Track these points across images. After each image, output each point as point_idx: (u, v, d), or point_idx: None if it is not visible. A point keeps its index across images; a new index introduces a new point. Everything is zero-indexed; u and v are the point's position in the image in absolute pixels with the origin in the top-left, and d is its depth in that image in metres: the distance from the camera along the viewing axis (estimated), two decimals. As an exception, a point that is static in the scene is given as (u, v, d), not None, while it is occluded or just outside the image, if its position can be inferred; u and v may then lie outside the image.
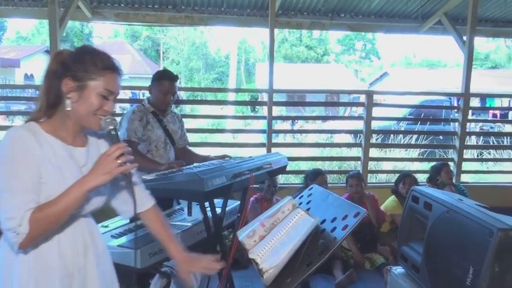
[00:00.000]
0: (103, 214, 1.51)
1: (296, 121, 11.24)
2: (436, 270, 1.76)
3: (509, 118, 15.73)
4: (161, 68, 24.55)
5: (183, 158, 2.78)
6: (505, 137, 7.84)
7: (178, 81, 2.75)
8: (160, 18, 4.54)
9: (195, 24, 4.66)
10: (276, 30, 4.23)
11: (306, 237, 1.20)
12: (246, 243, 1.27)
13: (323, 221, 1.35)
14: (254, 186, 3.73)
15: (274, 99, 4.08)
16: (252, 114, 14.16)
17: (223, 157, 2.57)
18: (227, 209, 2.29)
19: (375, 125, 7.69)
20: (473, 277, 1.52)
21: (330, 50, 33.08)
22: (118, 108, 6.09)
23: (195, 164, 2.32)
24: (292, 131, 7.78)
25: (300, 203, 1.55)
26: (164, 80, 2.68)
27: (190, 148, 3.04)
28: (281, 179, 5.68)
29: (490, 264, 1.45)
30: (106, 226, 2.23)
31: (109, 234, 2.10)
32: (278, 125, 12.05)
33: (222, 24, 4.74)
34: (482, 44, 28.93)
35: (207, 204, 1.99)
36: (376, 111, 4.41)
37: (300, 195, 1.67)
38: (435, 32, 5.07)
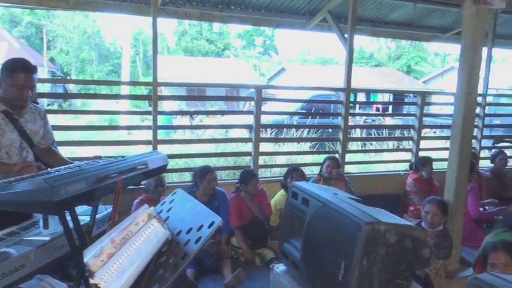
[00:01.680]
0: None
1: (195, 116, 11.00)
2: (313, 266, 1.74)
3: (390, 112, 17.54)
4: (44, 58, 22.25)
5: (45, 161, 2.38)
6: (384, 129, 8.61)
7: (37, 73, 2.33)
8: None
9: (69, 8, 4.15)
10: (175, 22, 3.97)
11: (154, 252, 1.04)
12: (92, 264, 1.06)
13: (179, 232, 1.20)
14: (141, 186, 3.50)
15: (171, 93, 3.83)
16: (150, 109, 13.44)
17: (94, 158, 2.26)
18: (99, 216, 2.03)
19: (270, 119, 7.91)
20: (344, 272, 1.51)
21: (230, 45, 33.30)
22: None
23: (53, 169, 1.99)
24: (180, 127, 7.46)
25: (161, 211, 1.38)
26: (18, 72, 2.23)
27: (55, 149, 2.64)
28: (174, 177, 5.45)
29: (359, 258, 1.45)
30: None
31: None
32: (178, 120, 11.70)
33: (102, 10, 4.32)
34: (367, 43, 31.79)
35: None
36: (269, 106, 4.43)
37: (163, 201, 1.50)
38: (321, 29, 5.27)
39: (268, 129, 7.07)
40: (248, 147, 5.76)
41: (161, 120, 6.59)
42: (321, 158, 5.52)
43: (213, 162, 6.04)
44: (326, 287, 1.62)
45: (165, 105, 9.51)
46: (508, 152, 5.56)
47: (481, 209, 4.35)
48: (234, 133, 7.06)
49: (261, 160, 4.63)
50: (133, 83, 14.34)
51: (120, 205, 1.71)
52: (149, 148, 3.86)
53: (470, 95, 2.93)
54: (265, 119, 5.42)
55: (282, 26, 5.32)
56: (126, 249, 1.07)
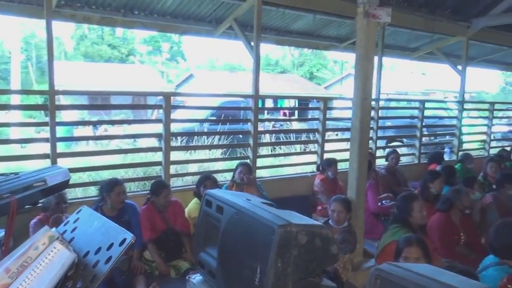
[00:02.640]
0: None
1: (99, 125, 10.35)
2: (230, 273, 1.74)
3: (296, 116, 18.40)
4: None
5: None
6: (292, 133, 9.00)
7: None
8: None
9: None
10: (73, 26, 3.67)
11: (59, 278, 0.95)
12: (-19, 298, 0.92)
13: (86, 253, 1.11)
14: (39, 204, 3.18)
15: (71, 102, 3.53)
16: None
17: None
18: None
19: (179, 127, 7.78)
20: (260, 276, 1.54)
21: (135, 50, 32.07)
22: None
23: None
24: (82, 138, 6.93)
25: (64, 232, 1.27)
26: None
27: None
28: (78, 192, 5.06)
29: (273, 260, 1.49)
30: None
31: None
32: (80, 130, 10.87)
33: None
34: (273, 51, 33.05)
35: None
36: (179, 113, 4.35)
37: (66, 221, 1.38)
38: (228, 36, 5.35)
39: (179, 137, 6.94)
40: (158, 156, 5.59)
41: (60, 131, 6.07)
42: (232, 164, 5.57)
43: (120, 174, 5.75)
44: (243, 292, 1.63)
45: (64, 115, 8.79)
46: (399, 150, 6.19)
47: (379, 204, 4.78)
48: (143, 143, 6.80)
49: (172, 169, 4.52)
50: (26, 92, 12.91)
51: (15, 228, 1.54)
52: (47, 163, 3.53)
53: (366, 100, 3.20)
54: (174, 127, 5.29)
55: (188, 33, 5.30)
56: (25, 277, 0.95)
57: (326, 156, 5.40)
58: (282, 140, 8.04)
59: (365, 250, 3.79)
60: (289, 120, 12.32)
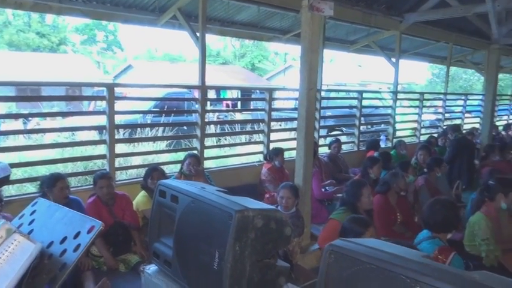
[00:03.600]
0: None
1: (30, 119, 9.69)
2: (187, 261, 1.77)
3: (239, 107, 18.47)
4: None
5: None
6: (236, 124, 9.06)
7: None
8: None
9: None
10: None
11: (25, 269, 0.92)
12: None
13: (50, 244, 1.08)
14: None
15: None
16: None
17: None
18: None
19: (121, 119, 7.52)
20: (219, 260, 1.58)
21: (67, 39, 30.20)
22: None
23: None
24: (11, 132, 6.38)
25: (20, 225, 1.22)
26: None
27: None
28: (12, 190, 4.74)
29: (232, 244, 1.54)
30: None
31: None
32: (6, 124, 10.07)
33: None
34: (214, 42, 32.79)
35: None
36: (120, 105, 4.23)
37: (21, 214, 1.32)
38: (172, 26, 5.25)
39: (121, 130, 6.73)
40: (100, 149, 5.39)
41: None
42: (178, 156, 5.53)
43: (59, 168, 5.46)
44: (202, 278, 1.67)
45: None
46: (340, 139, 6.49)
47: (323, 190, 5.00)
48: (81, 136, 6.48)
49: (116, 162, 4.38)
50: None
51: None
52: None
53: (311, 90, 3.33)
54: (116, 120, 5.13)
55: (130, 22, 5.12)
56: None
57: (272, 145, 5.53)
58: (227, 131, 8.08)
59: (311, 234, 3.97)
60: (235, 111, 12.36)
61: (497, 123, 10.89)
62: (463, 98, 11.13)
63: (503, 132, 10.14)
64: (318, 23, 3.30)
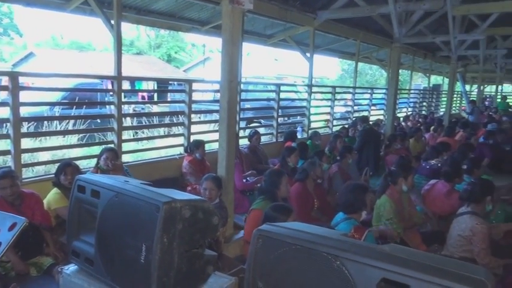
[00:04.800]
0: None
1: None
2: (111, 257, 1.71)
3: (155, 99, 17.94)
4: None
5: None
6: (154, 117, 8.81)
7: None
8: None
9: None
10: None
11: None
12: None
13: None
14: None
15: None
16: None
17: None
18: None
19: (24, 111, 6.87)
20: (146, 253, 1.56)
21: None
22: None
23: None
24: None
25: None
26: None
27: None
28: None
29: (159, 237, 1.53)
30: None
31: None
32: None
33: None
34: (126, 30, 31.19)
35: None
36: (25, 96, 3.87)
37: None
38: (83, 12, 4.93)
39: (24, 123, 6.16)
40: (3, 145, 4.89)
41: None
42: (92, 150, 5.24)
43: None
44: (128, 273, 1.64)
45: None
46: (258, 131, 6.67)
47: (245, 181, 5.11)
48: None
49: (22, 159, 4.02)
50: None
51: None
52: None
53: (232, 83, 3.38)
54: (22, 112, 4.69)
55: (34, 5, 4.70)
56: None
57: (193, 138, 5.49)
58: (146, 124, 7.84)
59: (235, 223, 4.05)
60: (154, 103, 11.98)
61: (398, 115, 12.02)
62: (369, 91, 12.08)
63: (403, 123, 11.23)
64: (239, 16, 3.35)
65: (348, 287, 1.09)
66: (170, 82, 14.41)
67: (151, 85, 19.32)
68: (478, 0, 8.33)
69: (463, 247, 3.31)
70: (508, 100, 20.08)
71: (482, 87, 19.36)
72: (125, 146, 5.06)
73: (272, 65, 29.13)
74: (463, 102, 19.19)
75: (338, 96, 10.06)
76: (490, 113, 15.50)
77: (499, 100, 18.91)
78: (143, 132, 8.05)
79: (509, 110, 18.20)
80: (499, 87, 19.66)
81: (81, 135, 6.85)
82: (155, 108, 12.34)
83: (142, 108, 12.07)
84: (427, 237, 3.96)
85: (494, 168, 6.82)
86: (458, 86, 17.98)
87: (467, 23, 10.23)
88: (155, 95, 18.59)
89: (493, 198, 3.65)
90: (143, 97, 18.21)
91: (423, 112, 15.06)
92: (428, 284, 0.95)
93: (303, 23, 7.61)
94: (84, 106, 7.30)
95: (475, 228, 3.21)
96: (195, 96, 6.00)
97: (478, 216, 3.31)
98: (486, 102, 20.62)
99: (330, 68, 35.34)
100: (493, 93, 20.68)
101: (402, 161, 4.78)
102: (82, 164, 4.72)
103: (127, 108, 12.03)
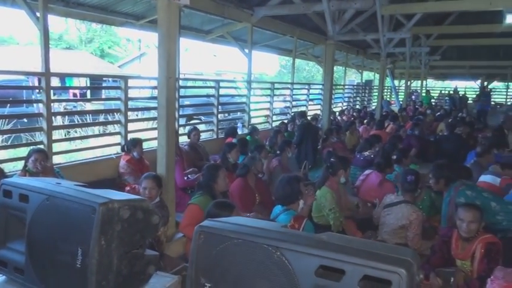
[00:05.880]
0: None
1: None
2: (44, 265, 1.62)
3: (88, 97, 17.07)
4: None
5: None
6: (88, 115, 8.39)
7: None
8: None
9: None
10: None
11: None
12: None
13: None
14: None
15: None
16: None
17: None
18: None
19: None
20: (82, 258, 1.50)
21: None
22: None
23: None
24: None
25: None
26: None
27: None
28: None
29: (96, 239, 1.47)
30: None
31: None
32: None
33: None
34: (54, 23, 29.24)
35: None
36: None
37: None
38: (3, 3, 4.56)
39: None
40: None
41: None
42: (19, 152, 4.90)
43: None
44: (64, 279, 1.56)
45: None
46: (199, 127, 6.61)
47: (186, 178, 5.05)
48: None
49: None
50: None
51: None
52: None
53: (170, 79, 3.32)
54: None
55: None
56: None
57: (130, 136, 5.32)
58: (78, 123, 7.44)
59: (176, 222, 3.99)
60: (87, 100, 11.39)
61: (334, 110, 12.53)
62: (306, 87, 12.45)
63: (338, 117, 11.72)
64: (175, 11, 3.28)
65: (288, 276, 1.13)
66: (104, 79, 13.78)
67: (83, 82, 18.36)
68: (404, 0, 8.92)
69: (398, 235, 3.56)
70: (431, 94, 21.77)
71: (409, 83, 20.73)
72: (56, 147, 4.78)
73: (211, 61, 28.93)
74: (393, 96, 20.46)
75: (277, 92, 10.26)
76: (416, 106, 16.68)
77: (423, 94, 20.39)
78: (76, 132, 7.63)
79: (433, 103, 19.75)
80: (424, 82, 21.18)
81: (5, 136, 6.34)
82: (89, 106, 11.73)
83: (75, 107, 11.43)
84: (362, 225, 4.19)
85: (420, 157, 7.35)
86: (388, 82, 19.13)
87: (395, 22, 10.92)
88: (88, 92, 17.70)
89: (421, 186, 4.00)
90: (75, 94, 17.25)
91: (357, 106, 15.84)
92: (362, 267, 1.01)
93: (241, 19, 7.64)
94: (8, 105, 6.77)
95: (412, 216, 3.48)
96: (132, 93, 5.81)
97: (413, 205, 3.59)
98: (413, 96, 22.13)
99: (270, 64, 35.91)
100: (418, 88, 22.24)
101: (331, 156, 5.02)
102: (8, 167, 4.40)
103: (57, 107, 11.36)
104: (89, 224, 1.48)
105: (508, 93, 23.26)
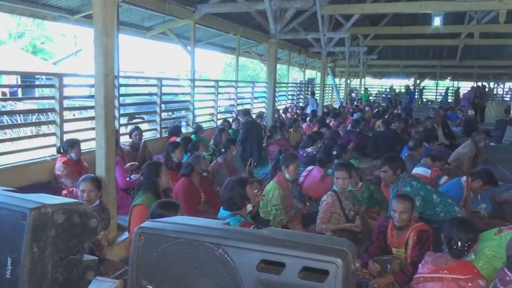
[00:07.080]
0: None
1: None
2: (-32, 277, 1.50)
3: (20, 96, 15.93)
4: None
5: None
6: (18, 115, 7.84)
7: None
8: None
9: None
10: None
11: None
12: None
13: None
14: None
15: None
16: None
17: None
18: None
19: None
20: (12, 267, 1.41)
21: None
22: None
23: None
24: None
25: None
26: None
27: None
28: None
29: (28, 247, 1.39)
30: None
31: None
32: None
33: None
34: (-22, 17, 26.99)
35: None
36: None
37: None
38: None
39: None
40: None
41: None
42: None
43: None
44: (-9, 292, 1.45)
45: None
46: (141, 127, 6.42)
47: (128, 179, 4.89)
48: None
49: None
50: None
51: None
52: None
53: (108, 76, 3.19)
54: None
55: None
56: None
57: (66, 137, 5.04)
58: (7, 123, 6.93)
59: (118, 225, 3.86)
60: (17, 99, 10.59)
61: (278, 107, 12.73)
62: (251, 85, 12.53)
63: (283, 115, 11.94)
64: (112, 6, 3.16)
65: (230, 272, 1.14)
66: (37, 76, 12.94)
67: (13, 79, 17.09)
68: (343, 1, 9.27)
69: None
70: (369, 92, 22.84)
71: (349, 81, 21.59)
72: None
73: (153, 59, 28.17)
74: (334, 94, 21.19)
75: (221, 90, 10.23)
76: (356, 104, 17.42)
77: (362, 92, 21.34)
78: (5, 133, 7.11)
79: (371, 100, 20.72)
80: (362, 81, 22.15)
81: None
82: (20, 106, 10.95)
83: (3, 106, 10.63)
84: (304, 219, 4.31)
85: (359, 152, 7.70)
86: (329, 80, 19.79)
87: (335, 22, 11.32)
88: (19, 91, 16.50)
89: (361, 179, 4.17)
90: (4, 93, 16.03)
91: (300, 104, 16.22)
92: (300, 260, 1.04)
93: (183, 16, 7.52)
94: None
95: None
96: (68, 91, 5.51)
97: (332, 192, 3.75)
98: (353, 94, 23.08)
99: (215, 62, 35.65)
100: (357, 86, 23.25)
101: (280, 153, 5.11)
102: None
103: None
104: (19, 231, 1.39)
105: (438, 91, 25.00)
